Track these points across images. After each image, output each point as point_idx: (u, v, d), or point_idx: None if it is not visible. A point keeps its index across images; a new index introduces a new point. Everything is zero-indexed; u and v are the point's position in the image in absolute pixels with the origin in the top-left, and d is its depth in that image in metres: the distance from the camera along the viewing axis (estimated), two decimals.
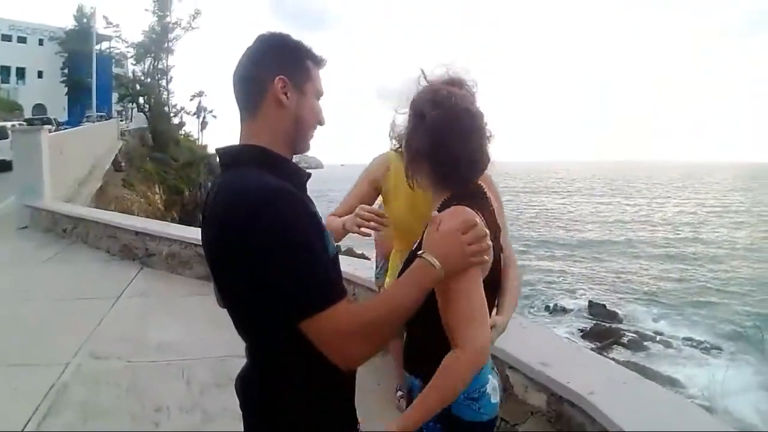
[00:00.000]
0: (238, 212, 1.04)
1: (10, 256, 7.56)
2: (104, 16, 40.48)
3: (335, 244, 1.27)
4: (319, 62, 1.27)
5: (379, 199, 2.31)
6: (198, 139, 49.05)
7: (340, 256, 1.25)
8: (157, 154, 33.15)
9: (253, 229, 1.02)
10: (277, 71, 1.18)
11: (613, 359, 12.01)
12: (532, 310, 18.41)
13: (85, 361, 3.92)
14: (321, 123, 1.29)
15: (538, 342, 2.78)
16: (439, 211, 1.34)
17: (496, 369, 1.54)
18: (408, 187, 1.54)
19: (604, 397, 2.09)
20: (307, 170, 1.25)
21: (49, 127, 12.31)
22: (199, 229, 1.21)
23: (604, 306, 17.85)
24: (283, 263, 1.02)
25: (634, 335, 15.03)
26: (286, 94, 1.19)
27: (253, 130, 1.21)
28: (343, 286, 1.09)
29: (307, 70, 1.24)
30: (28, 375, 3.68)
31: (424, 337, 1.41)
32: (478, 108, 1.42)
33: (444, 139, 1.35)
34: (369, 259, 5.04)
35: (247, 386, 1.22)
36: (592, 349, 11.83)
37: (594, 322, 16.32)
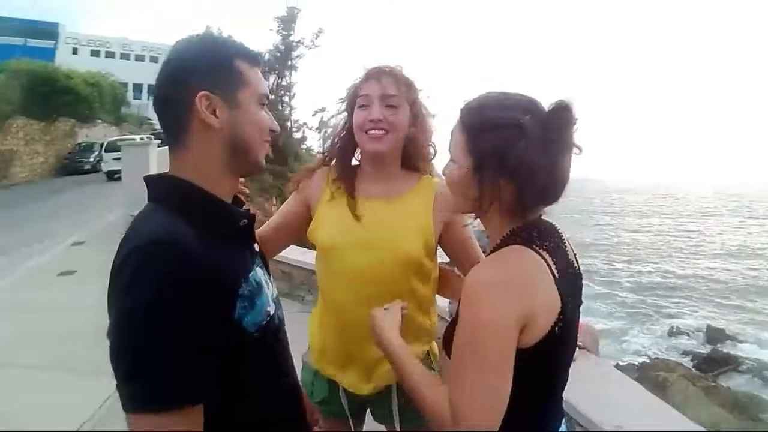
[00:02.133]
0: (119, 258, 0.89)
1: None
2: (229, 35, 43.48)
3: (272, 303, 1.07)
4: (253, 60, 1.04)
5: None
6: (319, 153, 50.64)
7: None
8: (276, 167, 34.81)
9: (118, 284, 0.87)
10: (198, 86, 0.96)
11: (728, 388, 11.20)
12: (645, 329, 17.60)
13: None
14: (274, 131, 1.07)
15: (617, 394, 2.34)
16: (493, 250, 1.08)
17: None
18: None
19: None
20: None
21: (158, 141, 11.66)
22: None
23: (723, 331, 16.48)
24: (127, 339, 0.84)
25: (754, 363, 13.41)
26: (214, 112, 0.97)
27: (179, 160, 1.00)
28: (196, 392, 0.86)
29: (238, 75, 1.00)
30: None
31: None
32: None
33: (545, 153, 1.02)
34: None
35: None
36: (702, 376, 11.16)
37: (711, 347, 15.36)
